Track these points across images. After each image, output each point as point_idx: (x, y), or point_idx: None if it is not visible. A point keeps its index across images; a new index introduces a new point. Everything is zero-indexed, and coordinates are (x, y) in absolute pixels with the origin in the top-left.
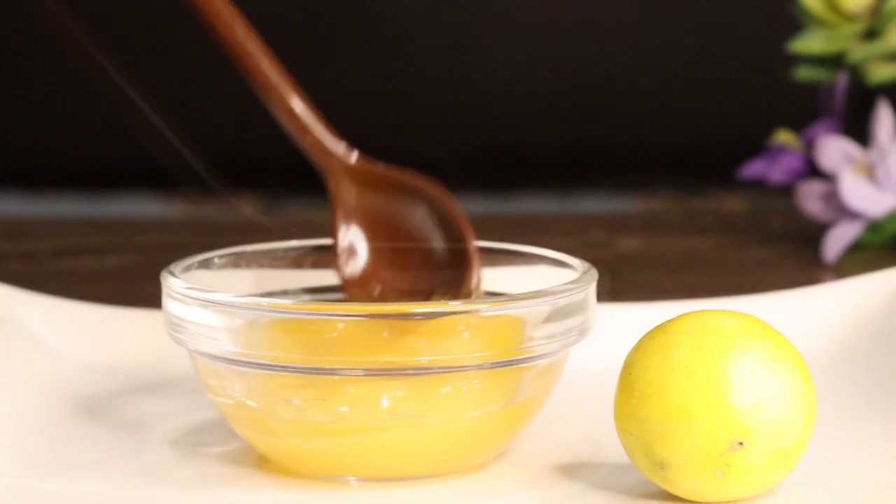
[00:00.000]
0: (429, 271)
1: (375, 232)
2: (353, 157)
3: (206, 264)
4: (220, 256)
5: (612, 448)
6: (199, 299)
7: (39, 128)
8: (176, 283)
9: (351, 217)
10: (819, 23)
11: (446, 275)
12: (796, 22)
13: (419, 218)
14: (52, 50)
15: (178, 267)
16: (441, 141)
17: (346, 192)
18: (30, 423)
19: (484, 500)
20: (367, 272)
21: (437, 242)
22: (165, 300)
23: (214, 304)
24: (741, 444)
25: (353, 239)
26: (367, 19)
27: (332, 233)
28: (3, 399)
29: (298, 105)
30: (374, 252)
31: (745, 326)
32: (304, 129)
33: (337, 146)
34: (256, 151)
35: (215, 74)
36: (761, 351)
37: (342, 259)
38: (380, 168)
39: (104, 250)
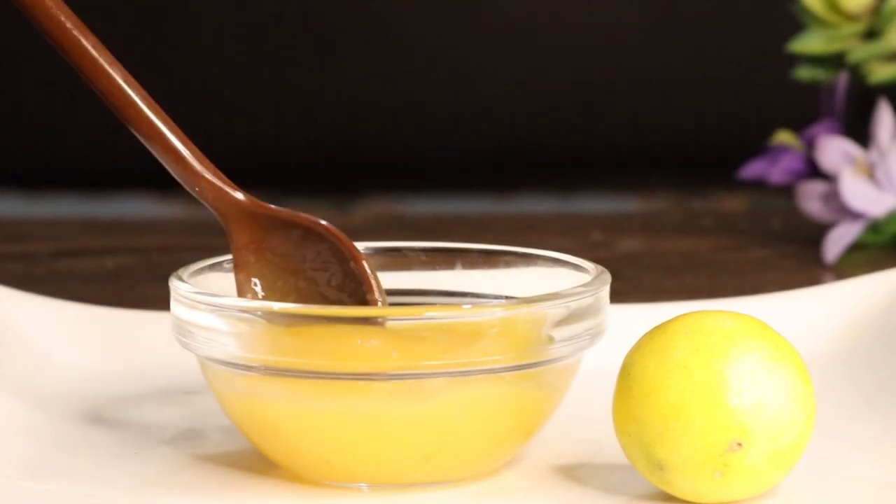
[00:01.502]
0: (332, 297)
1: (281, 275)
2: (245, 198)
3: (215, 268)
4: (230, 260)
5: (611, 449)
6: (208, 304)
7: (39, 128)
8: (184, 288)
9: (251, 255)
10: (819, 23)
11: (349, 299)
12: (796, 22)
13: (319, 255)
14: (52, 50)
15: (186, 271)
16: (441, 141)
17: (246, 238)
18: (28, 426)
19: None
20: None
21: (340, 277)
22: (173, 304)
23: (224, 308)
24: (740, 444)
25: (255, 276)
26: (367, 19)
27: (236, 283)
28: (1, 401)
29: (186, 151)
30: (280, 286)
31: (743, 327)
32: (196, 176)
33: (229, 190)
34: (257, 151)
35: (215, 74)
36: (760, 351)
37: (246, 295)
38: (272, 209)
39: (103, 251)
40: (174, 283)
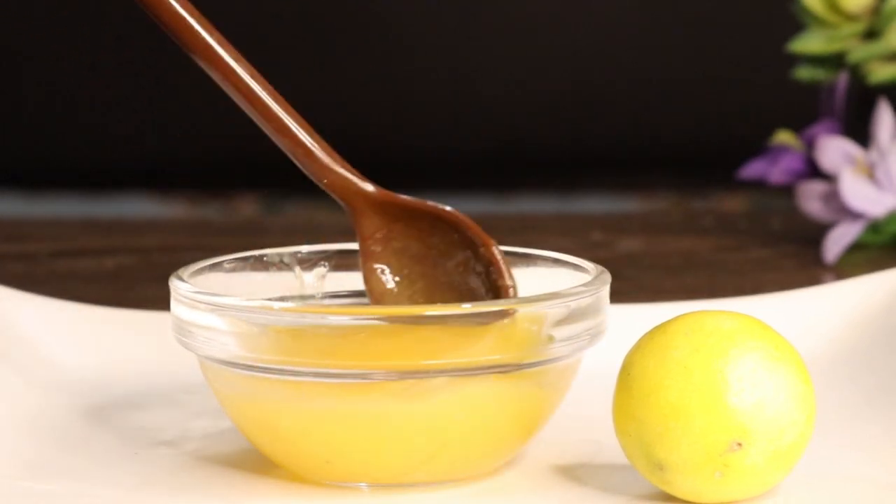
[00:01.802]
0: (462, 284)
1: (408, 263)
2: (374, 189)
3: (215, 268)
4: (230, 260)
5: (611, 449)
6: (208, 304)
7: (39, 128)
8: (184, 287)
9: (378, 245)
10: (819, 23)
11: (480, 285)
12: (796, 22)
13: (447, 242)
14: (52, 50)
15: (186, 271)
16: (441, 141)
17: (373, 228)
18: (28, 427)
19: None
20: (398, 292)
21: (468, 264)
22: (174, 304)
23: (224, 308)
24: (740, 444)
25: (386, 276)
26: (367, 19)
27: (363, 272)
28: (1, 401)
29: (314, 144)
30: (410, 283)
31: (743, 327)
32: (324, 169)
33: (358, 181)
34: (256, 151)
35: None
36: (760, 351)
37: (375, 284)
38: (400, 198)
39: (103, 251)
40: (174, 283)
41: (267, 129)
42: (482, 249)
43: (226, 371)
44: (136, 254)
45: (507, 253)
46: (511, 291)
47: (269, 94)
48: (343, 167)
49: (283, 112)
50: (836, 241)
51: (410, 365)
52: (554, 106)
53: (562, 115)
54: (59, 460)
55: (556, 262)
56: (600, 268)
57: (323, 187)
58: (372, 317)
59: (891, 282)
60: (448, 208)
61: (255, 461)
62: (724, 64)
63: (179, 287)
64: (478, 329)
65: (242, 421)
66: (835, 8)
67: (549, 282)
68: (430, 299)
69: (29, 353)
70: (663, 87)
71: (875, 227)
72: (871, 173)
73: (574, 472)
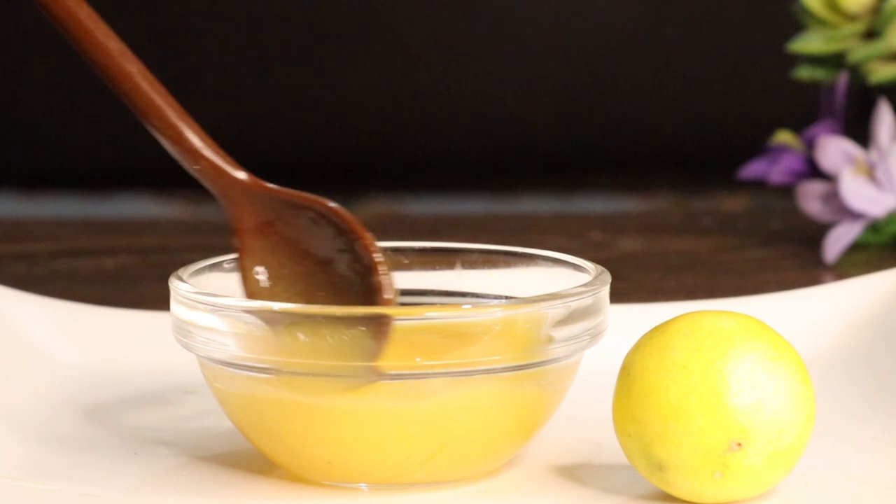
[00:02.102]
0: (340, 282)
1: (287, 261)
2: (247, 178)
3: (215, 268)
4: (230, 260)
5: (611, 449)
6: (208, 304)
7: (39, 128)
8: (184, 288)
9: (254, 239)
10: (819, 23)
11: (358, 282)
12: (796, 22)
13: (324, 236)
14: (52, 50)
15: (186, 271)
16: (441, 141)
17: (246, 216)
18: (28, 427)
19: None
20: (276, 292)
21: (341, 253)
22: (173, 304)
23: (223, 308)
24: (739, 444)
25: (259, 262)
26: (367, 19)
27: (240, 268)
28: (1, 401)
29: (186, 127)
30: (286, 274)
31: (743, 327)
32: (196, 154)
33: (231, 169)
34: (256, 152)
35: (216, 73)
36: (759, 352)
37: (250, 283)
38: (276, 189)
39: (103, 251)
40: (174, 283)
41: (136, 110)
42: (359, 244)
43: (226, 371)
44: (136, 254)
45: (507, 253)
46: (385, 284)
47: (139, 72)
48: (216, 153)
49: (152, 91)
50: (836, 241)
51: (410, 365)
52: (554, 106)
53: (562, 115)
54: (59, 460)
55: (556, 262)
56: (600, 268)
57: (193, 173)
58: (371, 317)
59: (891, 282)
60: (329, 203)
61: (255, 461)
62: (724, 64)
63: (179, 287)
64: (478, 329)
65: (242, 421)
66: (835, 8)
67: (549, 282)
68: (309, 300)
69: (29, 353)
70: (663, 87)
71: (875, 227)
72: (871, 173)
73: (574, 472)
